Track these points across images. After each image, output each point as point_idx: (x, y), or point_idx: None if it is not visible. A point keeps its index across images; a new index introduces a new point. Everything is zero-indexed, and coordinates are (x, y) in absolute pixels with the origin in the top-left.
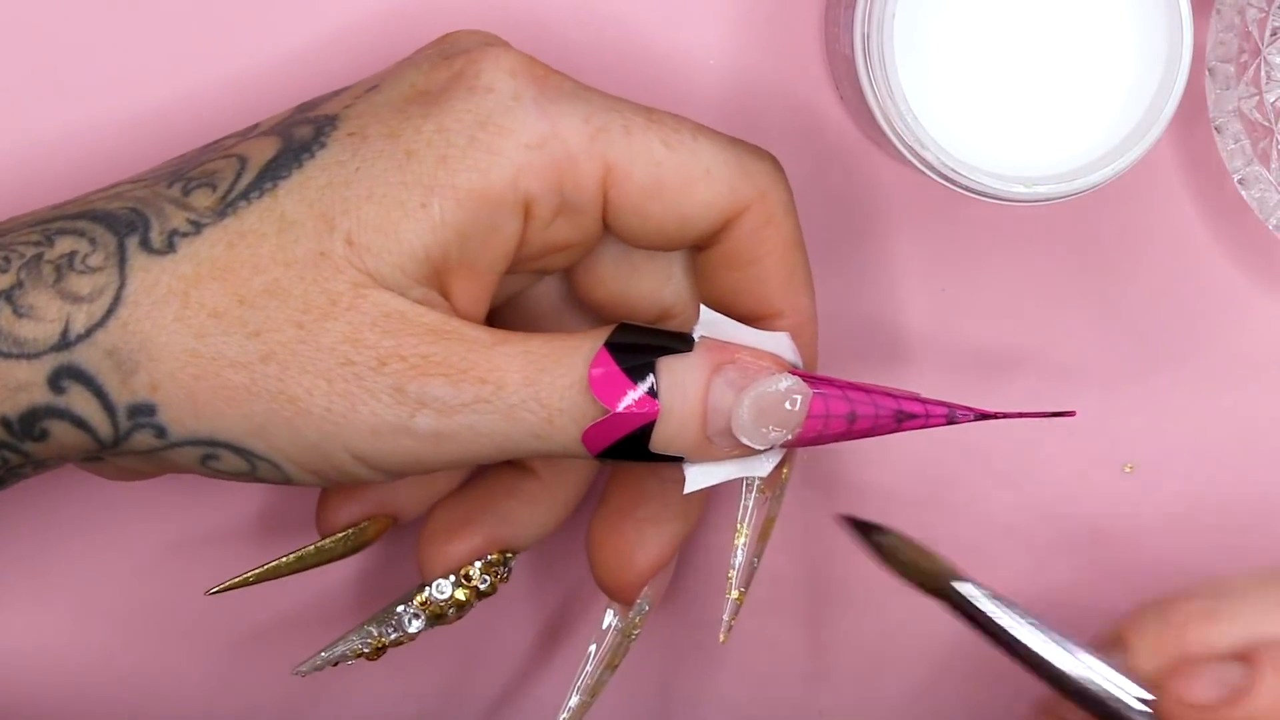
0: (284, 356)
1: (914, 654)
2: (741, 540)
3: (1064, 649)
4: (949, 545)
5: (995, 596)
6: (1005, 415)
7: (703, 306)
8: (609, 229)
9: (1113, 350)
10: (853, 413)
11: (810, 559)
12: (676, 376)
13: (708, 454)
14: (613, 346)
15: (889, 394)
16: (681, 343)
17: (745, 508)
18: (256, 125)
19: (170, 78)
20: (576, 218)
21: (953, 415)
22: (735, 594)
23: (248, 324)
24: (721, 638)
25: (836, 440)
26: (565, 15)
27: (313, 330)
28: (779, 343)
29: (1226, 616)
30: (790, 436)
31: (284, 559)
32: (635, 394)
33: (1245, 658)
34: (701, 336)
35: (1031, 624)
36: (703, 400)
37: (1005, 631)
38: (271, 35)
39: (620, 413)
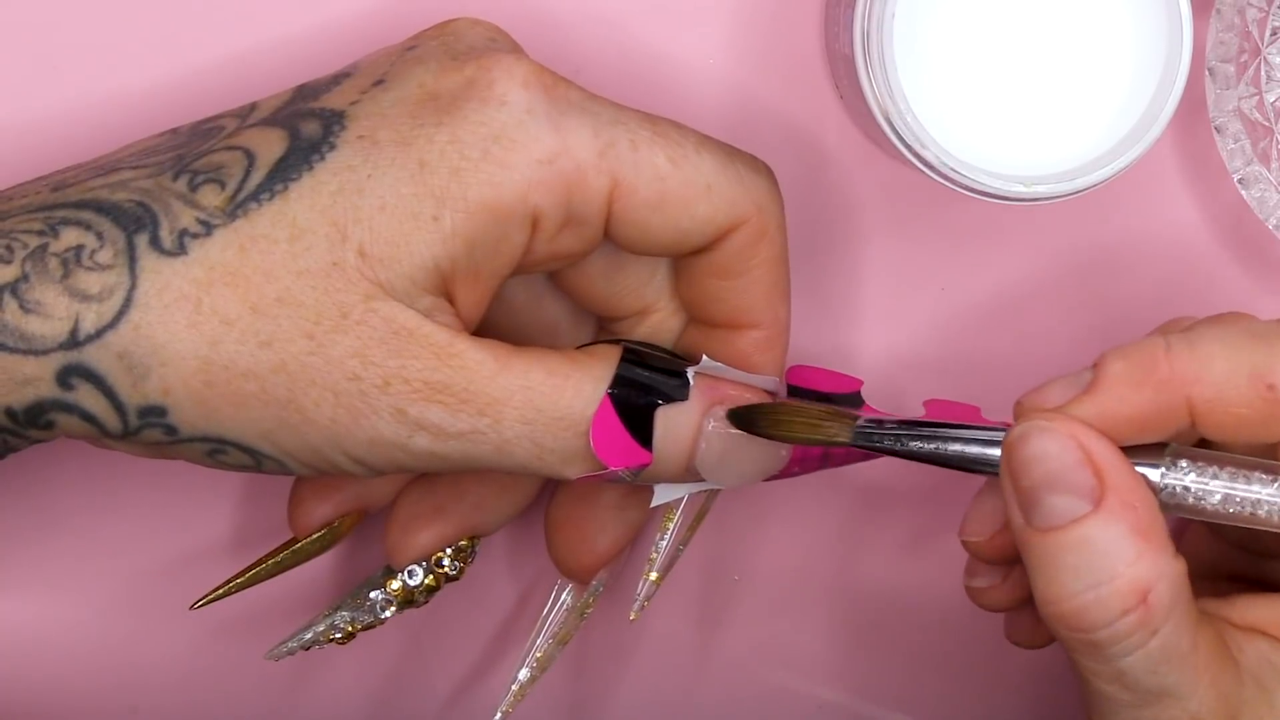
0: (294, 368)
1: (916, 650)
2: (670, 525)
3: (950, 437)
4: (941, 545)
5: (885, 427)
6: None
7: (705, 356)
8: (607, 237)
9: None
10: (826, 454)
11: (815, 554)
12: (671, 426)
13: (683, 480)
14: (616, 398)
15: None
16: (678, 384)
17: (680, 497)
18: (254, 106)
19: (163, 52)
20: (581, 229)
21: None
22: (653, 577)
23: (260, 333)
24: (632, 616)
25: (806, 473)
26: (566, 13)
27: (323, 342)
28: (766, 386)
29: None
30: (764, 478)
31: (262, 565)
32: (632, 451)
33: (1094, 365)
34: (697, 374)
35: (923, 432)
36: (692, 444)
37: (910, 450)
38: (269, 13)
39: (614, 468)
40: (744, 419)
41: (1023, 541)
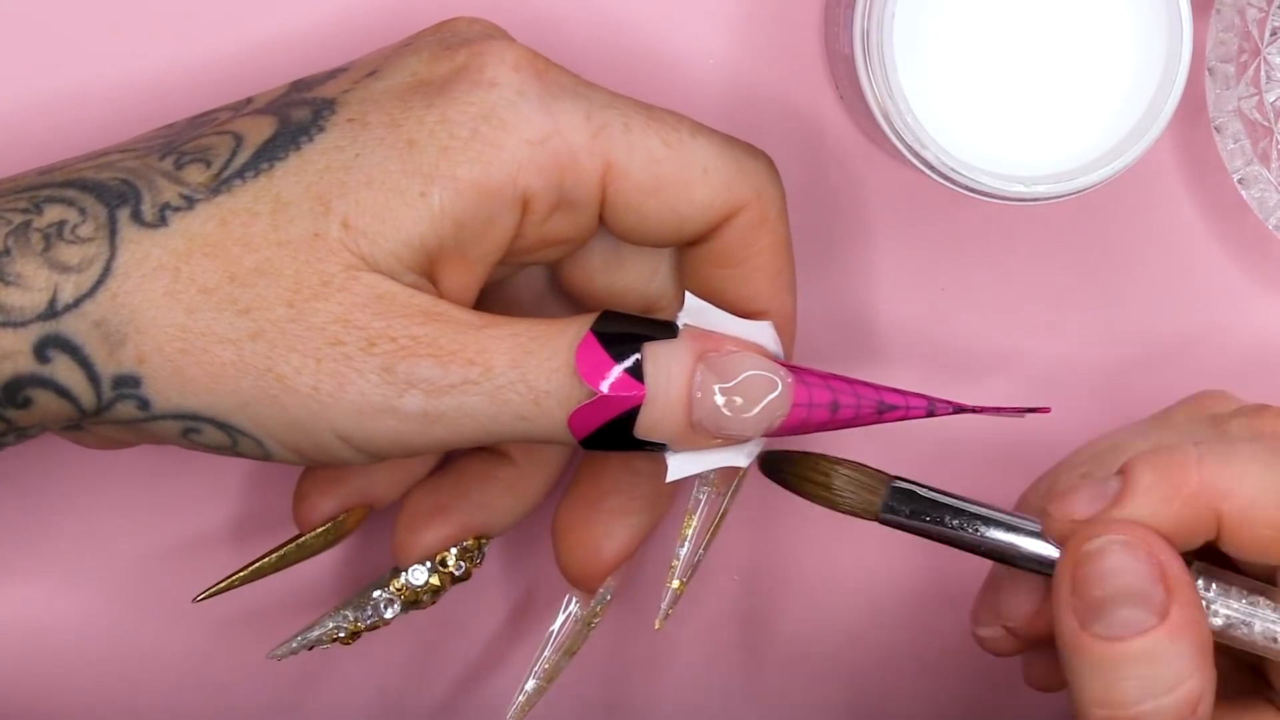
0: (273, 334)
1: (919, 651)
2: (690, 531)
3: (988, 521)
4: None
5: (926, 499)
6: (981, 410)
7: (688, 294)
8: (604, 224)
9: (1112, 350)
10: (835, 402)
11: (811, 559)
12: (661, 362)
13: (691, 442)
14: (599, 331)
15: (870, 385)
16: (666, 330)
17: (697, 500)
18: (250, 100)
19: (163, 48)
20: (574, 213)
21: (932, 407)
22: (676, 584)
23: (238, 301)
24: (657, 625)
25: (819, 429)
26: (566, 12)
27: (303, 310)
28: (762, 332)
29: (1111, 458)
30: (774, 425)
31: (267, 559)
32: (620, 376)
33: (1120, 471)
34: (686, 325)
35: (960, 506)
36: (687, 386)
37: (941, 527)
38: (269, 13)
39: (606, 395)
40: (771, 465)
41: (1076, 646)
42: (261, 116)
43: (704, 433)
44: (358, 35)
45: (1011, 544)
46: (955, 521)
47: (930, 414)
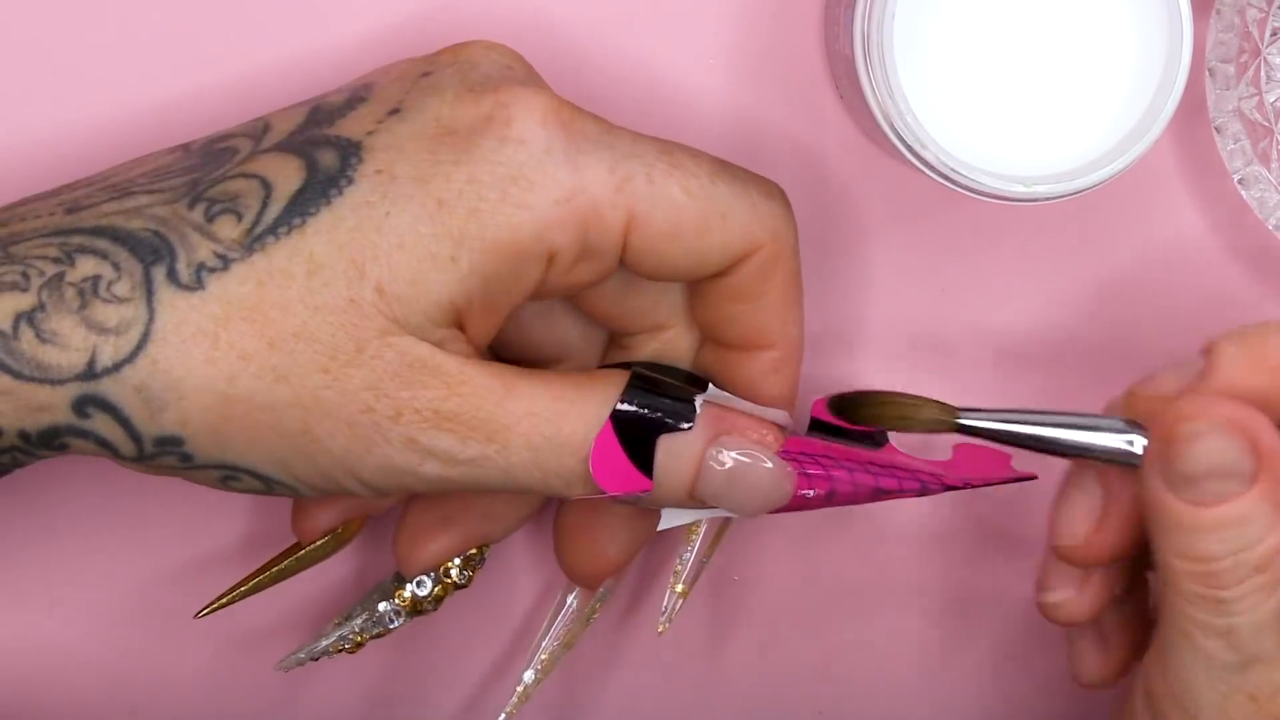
0: (309, 402)
1: (913, 655)
2: (696, 537)
3: (1064, 426)
4: (945, 546)
5: (996, 413)
6: (971, 486)
7: (710, 385)
8: (623, 265)
9: (1112, 350)
10: (832, 491)
11: (812, 560)
12: (673, 456)
13: (686, 505)
14: (617, 420)
15: (869, 471)
16: (685, 410)
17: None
18: (267, 127)
19: (171, 63)
20: (596, 261)
21: (924, 489)
22: (680, 589)
23: (276, 368)
24: (660, 628)
25: (811, 509)
26: (566, 18)
27: (338, 376)
28: (776, 417)
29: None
30: (769, 510)
31: (266, 573)
32: (631, 477)
33: (1203, 351)
34: (705, 401)
35: (1033, 420)
36: (694, 472)
37: (1019, 436)
38: (281, 34)
39: (614, 494)
40: (841, 407)
41: (1162, 506)
42: (286, 157)
43: (701, 503)
44: (368, 52)
45: (1088, 442)
46: (1030, 432)
47: (922, 494)
